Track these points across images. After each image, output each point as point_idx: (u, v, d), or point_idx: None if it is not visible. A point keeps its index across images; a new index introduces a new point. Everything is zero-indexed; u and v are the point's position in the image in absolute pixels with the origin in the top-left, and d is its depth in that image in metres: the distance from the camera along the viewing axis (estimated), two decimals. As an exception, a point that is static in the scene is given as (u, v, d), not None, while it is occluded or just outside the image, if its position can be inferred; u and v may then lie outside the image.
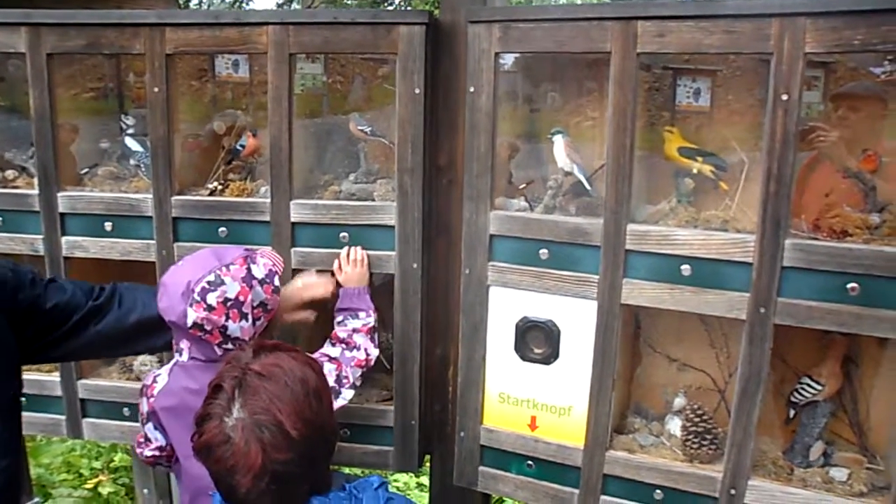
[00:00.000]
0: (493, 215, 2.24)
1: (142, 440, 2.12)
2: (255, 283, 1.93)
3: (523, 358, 2.29)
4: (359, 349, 2.22)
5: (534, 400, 2.31)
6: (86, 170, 2.68)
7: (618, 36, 2.01)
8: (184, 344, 1.99)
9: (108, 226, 2.52)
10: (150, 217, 2.48)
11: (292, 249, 2.40)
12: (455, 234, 2.40)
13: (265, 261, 2.00)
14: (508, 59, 2.32)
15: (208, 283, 1.89)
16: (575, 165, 2.25)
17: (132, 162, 2.65)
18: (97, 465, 4.38)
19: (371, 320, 2.26)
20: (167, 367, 2.07)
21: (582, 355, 2.21)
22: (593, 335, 2.18)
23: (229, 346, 1.94)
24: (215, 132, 2.63)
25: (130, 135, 2.65)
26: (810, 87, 2.14)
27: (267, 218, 2.40)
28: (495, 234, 2.24)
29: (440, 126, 2.36)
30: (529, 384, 2.31)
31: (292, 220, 2.39)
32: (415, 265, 2.35)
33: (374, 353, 2.25)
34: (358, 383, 2.20)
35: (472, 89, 2.19)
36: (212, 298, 1.88)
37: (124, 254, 2.53)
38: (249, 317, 1.92)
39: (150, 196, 2.47)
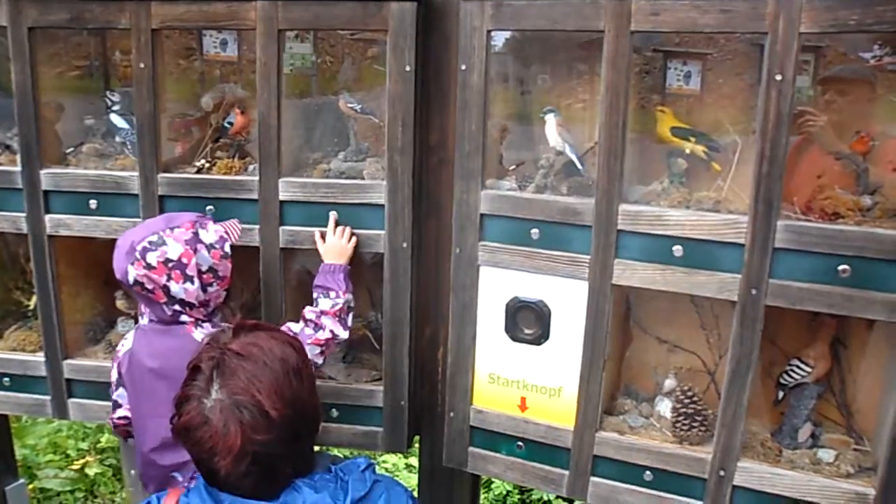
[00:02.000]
0: (485, 194, 2.22)
1: (111, 407, 2.21)
2: (200, 246, 1.97)
3: (513, 338, 2.29)
4: (323, 329, 2.21)
5: (524, 381, 2.31)
6: (71, 149, 2.65)
7: (612, 14, 1.98)
8: (143, 308, 2.08)
9: (92, 203, 2.48)
10: (137, 195, 2.45)
11: (281, 228, 2.38)
12: (445, 214, 2.38)
13: (216, 227, 2.04)
14: (499, 40, 2.30)
15: (150, 242, 1.94)
16: (567, 145, 2.24)
17: (118, 139, 2.61)
18: (83, 445, 4.37)
19: (340, 302, 2.23)
20: (132, 332, 2.12)
21: (572, 336, 2.21)
22: (584, 316, 2.18)
23: (177, 307, 1.99)
24: (203, 109, 2.60)
25: (116, 111, 2.61)
26: (801, 71, 2.12)
27: (255, 196, 2.37)
28: (486, 213, 2.23)
29: (431, 104, 2.34)
30: (519, 365, 2.30)
31: (281, 198, 2.36)
32: (404, 244, 2.33)
33: (343, 334, 2.23)
34: (319, 362, 2.21)
35: (463, 67, 2.17)
36: (152, 258, 1.93)
37: (109, 232, 2.49)
38: (195, 280, 1.96)
39: (136, 174, 2.44)
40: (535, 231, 2.19)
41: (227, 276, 2.05)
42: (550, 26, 2.09)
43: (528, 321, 2.26)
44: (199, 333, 2.01)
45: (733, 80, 2.23)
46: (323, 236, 2.33)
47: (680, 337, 2.39)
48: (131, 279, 1.95)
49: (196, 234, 2.00)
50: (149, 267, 1.93)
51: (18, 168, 2.50)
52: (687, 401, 2.24)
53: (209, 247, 2.00)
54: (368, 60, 2.65)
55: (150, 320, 2.06)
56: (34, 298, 2.72)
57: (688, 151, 2.16)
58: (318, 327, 2.20)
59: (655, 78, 2.30)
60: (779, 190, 1.90)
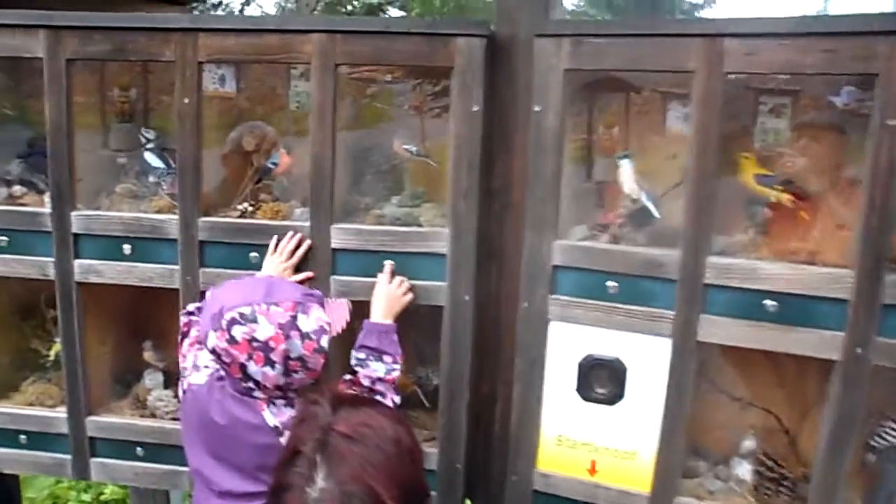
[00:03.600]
0: (557, 245, 2.02)
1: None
2: (294, 333, 1.67)
3: (585, 398, 2.06)
4: (384, 397, 1.97)
5: (595, 443, 2.08)
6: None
7: (702, 53, 1.81)
8: None
9: (126, 248, 2.24)
10: (175, 240, 2.21)
11: (332, 277, 2.15)
12: (507, 262, 2.18)
13: (319, 314, 1.73)
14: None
15: (241, 314, 1.66)
16: (643, 193, 2.05)
17: (151, 179, 2.38)
18: (86, 497, 4.04)
19: (398, 369, 1.99)
20: (212, 369, 1.83)
21: (650, 396, 1.99)
22: (665, 374, 1.97)
23: (251, 385, 1.71)
24: (242, 148, 2.38)
25: (150, 149, 2.39)
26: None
27: (305, 243, 2.16)
28: (559, 264, 2.02)
29: (494, 146, 2.14)
30: (591, 426, 2.08)
31: (333, 245, 2.14)
32: (466, 297, 2.12)
33: (398, 400, 2.00)
34: None
35: (537, 108, 1.98)
36: (237, 332, 1.65)
37: (144, 280, 2.25)
38: (278, 366, 1.67)
39: (175, 217, 2.21)
40: (612, 284, 1.98)
41: (318, 369, 1.76)
42: (633, 66, 1.91)
43: (602, 380, 2.04)
44: (271, 415, 1.73)
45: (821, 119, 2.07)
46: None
47: (754, 393, 2.19)
48: (210, 345, 1.70)
49: (294, 318, 1.70)
50: (231, 341, 1.66)
51: (47, 209, 2.25)
52: (770, 463, 2.04)
53: (304, 336, 1.70)
54: (367, 99, 2.49)
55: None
56: (54, 348, 2.46)
57: (773, 199, 1.99)
58: (375, 394, 1.96)
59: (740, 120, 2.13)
60: (888, 243, 1.73)
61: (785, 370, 2.12)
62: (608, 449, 2.07)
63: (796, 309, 1.83)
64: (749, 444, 2.09)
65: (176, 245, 2.22)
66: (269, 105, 2.60)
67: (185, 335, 1.98)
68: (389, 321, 2.04)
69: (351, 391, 1.94)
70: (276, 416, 1.73)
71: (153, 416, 2.41)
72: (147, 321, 2.51)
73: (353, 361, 1.99)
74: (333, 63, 2.05)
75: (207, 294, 1.81)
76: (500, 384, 2.25)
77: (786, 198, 1.97)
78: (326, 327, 1.73)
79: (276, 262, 2.13)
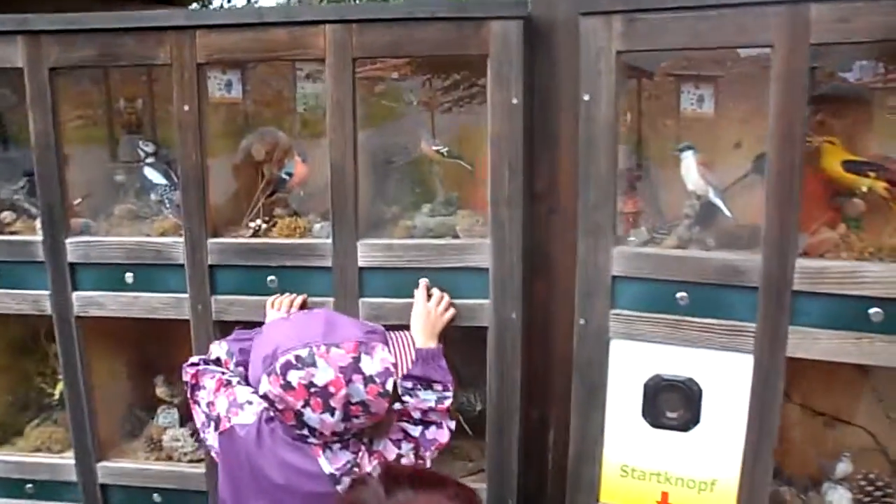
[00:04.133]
0: (618, 252, 1.74)
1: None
2: (357, 377, 1.43)
3: (654, 424, 1.79)
4: (440, 427, 1.72)
5: (666, 473, 1.81)
6: (79, 200, 2.11)
7: (784, 24, 1.53)
8: None
9: (129, 277, 1.99)
10: (182, 265, 1.95)
11: (360, 300, 1.89)
12: (557, 274, 1.91)
13: (384, 355, 1.48)
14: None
15: (297, 357, 1.42)
16: (710, 188, 1.77)
17: (153, 197, 2.11)
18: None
19: (450, 396, 1.72)
20: (259, 407, 1.58)
21: (730, 419, 1.72)
22: (747, 395, 1.70)
23: (305, 432, 1.48)
24: (252, 157, 2.12)
25: (150, 164, 2.12)
26: None
27: (328, 262, 1.88)
28: (619, 275, 1.75)
29: (536, 144, 1.87)
30: (661, 454, 1.81)
31: (360, 264, 1.87)
32: (514, 315, 1.85)
33: (453, 426, 1.75)
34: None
35: (586, 97, 1.70)
36: (293, 377, 1.42)
37: (150, 310, 1.99)
38: (338, 412, 1.43)
39: (181, 239, 1.95)
40: (682, 295, 1.70)
41: (381, 412, 1.52)
42: (699, 43, 1.62)
43: (673, 403, 1.77)
44: (326, 462, 1.50)
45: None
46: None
47: (841, 408, 1.92)
48: (262, 390, 1.47)
49: (357, 359, 1.45)
50: (287, 387, 1.42)
51: (39, 237, 2.00)
52: (871, 489, 1.77)
53: (368, 379, 1.46)
54: (375, 97, 2.24)
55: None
56: (59, 386, 2.21)
57: (864, 189, 1.71)
58: (429, 423, 1.70)
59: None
60: None
61: (879, 381, 1.85)
62: (682, 479, 1.80)
63: (906, 317, 1.56)
64: (844, 466, 1.82)
65: (183, 271, 1.96)
66: (276, 109, 2.35)
67: (196, 387, 1.72)
68: (433, 344, 1.78)
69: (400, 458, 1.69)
70: (331, 462, 1.51)
71: (169, 458, 2.15)
72: (157, 354, 2.25)
73: (400, 391, 1.72)
74: (350, 57, 1.78)
75: (255, 334, 1.63)
76: (553, 410, 1.99)
77: (881, 185, 1.69)
78: (392, 369, 1.49)
79: (275, 317, 1.88)
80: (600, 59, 1.68)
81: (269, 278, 1.92)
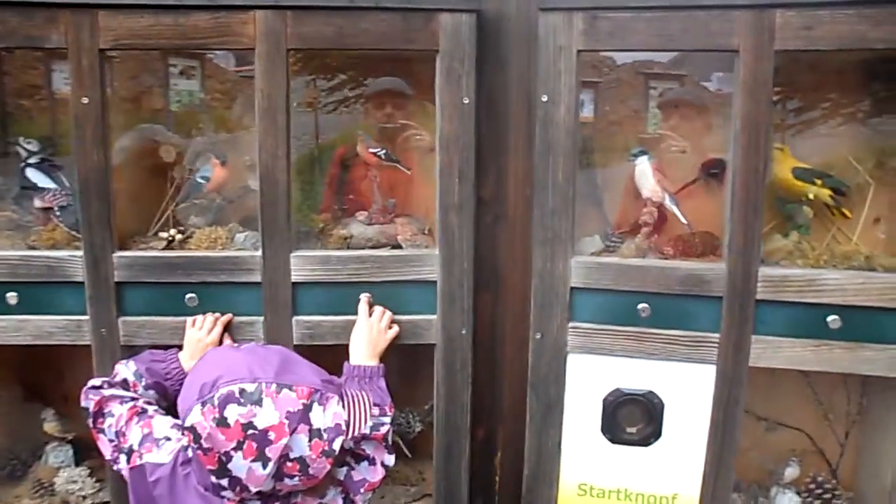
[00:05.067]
0: (575, 262, 1.62)
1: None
2: (302, 428, 1.20)
3: (613, 440, 1.68)
4: (372, 463, 1.47)
5: (626, 489, 1.71)
6: None
7: (749, 28, 1.46)
8: None
9: (11, 298, 1.65)
10: (81, 283, 1.64)
11: (294, 318, 1.66)
12: (505, 286, 1.77)
13: (338, 410, 1.24)
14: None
15: (241, 391, 1.18)
16: (666, 195, 1.69)
17: (37, 203, 1.77)
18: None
19: (388, 421, 1.51)
20: (177, 444, 1.34)
21: (692, 432, 1.64)
22: (709, 407, 1.63)
23: (223, 483, 1.20)
24: (160, 158, 1.82)
25: (35, 165, 1.78)
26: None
27: (256, 277, 1.64)
28: (578, 286, 1.63)
29: (483, 147, 1.71)
30: (621, 471, 1.70)
31: (294, 278, 1.64)
32: (464, 331, 1.68)
33: (391, 461, 1.50)
34: None
35: (544, 98, 1.56)
36: (232, 412, 1.17)
37: (41, 336, 1.66)
38: (271, 465, 1.18)
39: (79, 253, 1.64)
40: (643, 306, 1.61)
41: (319, 476, 1.26)
42: (664, 45, 1.53)
43: (634, 418, 1.67)
44: None
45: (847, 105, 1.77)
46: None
47: (782, 413, 1.90)
48: (189, 421, 1.19)
49: (308, 408, 1.21)
50: (221, 422, 1.16)
51: None
52: (820, 491, 1.75)
53: (314, 433, 1.21)
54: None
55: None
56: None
57: (811, 196, 1.68)
58: (360, 458, 1.46)
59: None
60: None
61: (817, 383, 1.85)
62: (643, 495, 1.70)
63: (863, 323, 1.53)
64: (791, 470, 1.80)
65: (82, 289, 1.65)
66: (147, 106, 2.07)
67: (100, 415, 1.44)
68: (374, 362, 1.58)
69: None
70: None
71: (65, 503, 1.83)
72: (46, 385, 1.91)
73: None
74: (284, 49, 1.55)
75: (169, 356, 1.45)
76: (500, 428, 1.84)
77: (826, 193, 1.67)
78: (343, 427, 1.25)
79: (196, 336, 1.64)
80: (560, 59, 1.55)
81: (188, 296, 1.64)
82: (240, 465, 1.18)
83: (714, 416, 1.62)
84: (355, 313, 1.65)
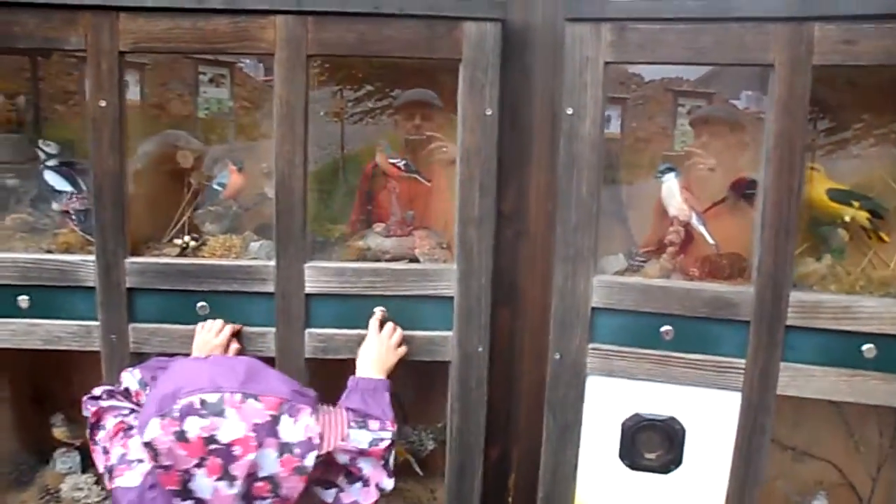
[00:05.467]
0: (597, 281, 1.56)
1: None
2: (270, 442, 1.12)
3: (632, 466, 1.61)
4: (366, 484, 1.37)
5: (643, 518, 1.65)
6: None
7: (785, 43, 1.39)
8: None
9: (23, 301, 1.62)
10: (92, 287, 1.61)
11: (307, 331, 1.61)
12: (524, 303, 1.71)
13: (310, 422, 1.16)
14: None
15: (202, 402, 1.09)
16: (693, 214, 1.62)
17: (55, 206, 1.74)
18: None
19: (388, 437, 1.41)
20: (148, 466, 1.22)
21: (714, 461, 1.56)
22: (733, 436, 1.55)
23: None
24: (178, 164, 1.79)
25: (53, 168, 1.75)
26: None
27: (270, 288, 1.59)
28: (599, 306, 1.56)
29: (503, 160, 1.64)
30: (638, 498, 1.62)
31: (307, 290, 1.60)
32: (480, 349, 1.62)
33: (389, 485, 1.40)
34: None
35: (570, 111, 1.50)
36: (192, 425, 1.08)
37: (50, 341, 1.63)
38: (238, 484, 1.10)
39: (91, 257, 1.60)
40: (667, 329, 1.53)
41: (293, 497, 1.18)
42: (695, 58, 1.46)
43: (653, 444, 1.60)
44: None
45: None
46: None
47: (810, 442, 1.81)
48: (147, 436, 1.10)
49: (276, 420, 1.13)
50: (181, 436, 1.09)
51: None
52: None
53: (284, 447, 1.13)
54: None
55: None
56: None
57: (847, 219, 1.60)
58: (355, 478, 1.37)
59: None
60: None
61: (850, 414, 1.76)
62: (660, 525, 1.64)
63: (899, 354, 1.45)
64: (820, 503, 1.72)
65: (93, 294, 1.61)
66: (176, 113, 2.05)
67: (96, 427, 1.37)
68: (380, 376, 1.51)
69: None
70: None
71: (70, 511, 1.80)
72: (56, 389, 1.88)
73: None
74: (304, 55, 1.51)
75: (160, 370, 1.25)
76: (515, 449, 1.78)
77: (864, 216, 1.59)
78: (317, 441, 1.16)
79: (203, 339, 1.59)
80: (586, 70, 1.49)
81: (199, 304, 1.60)
82: (203, 484, 1.10)
83: (738, 445, 1.54)
84: (367, 327, 1.61)
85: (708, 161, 1.75)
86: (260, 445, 1.10)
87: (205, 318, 1.61)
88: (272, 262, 1.59)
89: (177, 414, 1.09)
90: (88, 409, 1.40)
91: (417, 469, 1.86)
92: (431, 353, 1.62)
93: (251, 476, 1.11)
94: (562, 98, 1.52)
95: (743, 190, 1.68)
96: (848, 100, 1.69)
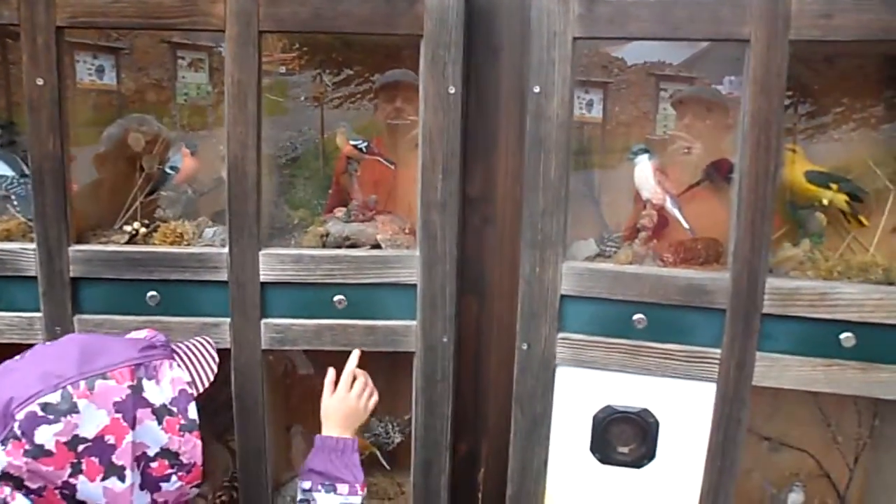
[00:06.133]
0: (567, 268, 1.48)
1: None
2: (143, 413, 1.02)
3: (604, 460, 1.54)
4: None
5: (616, 513, 1.58)
6: None
7: (761, 16, 1.31)
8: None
9: (-41, 292, 1.53)
10: (34, 277, 1.50)
11: (262, 321, 1.51)
12: (491, 292, 1.63)
13: (175, 374, 1.06)
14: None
15: (43, 406, 0.97)
16: (668, 197, 1.54)
17: (-6, 192, 1.65)
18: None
19: (357, 502, 1.33)
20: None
21: (688, 454, 1.50)
22: (708, 428, 1.48)
23: None
24: (124, 148, 1.69)
25: (-8, 151, 1.65)
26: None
27: (223, 276, 1.50)
28: (569, 293, 1.48)
29: (469, 143, 1.57)
30: (611, 493, 1.55)
31: (263, 278, 1.50)
32: (445, 339, 1.53)
33: None
34: None
35: (536, 89, 1.41)
36: (44, 435, 0.96)
37: (-10, 336, 1.54)
38: (129, 474, 0.99)
39: (32, 245, 1.50)
40: (639, 317, 1.46)
41: (197, 462, 1.08)
42: (668, 33, 1.38)
43: (626, 437, 1.52)
44: None
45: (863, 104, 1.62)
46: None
47: (786, 432, 1.75)
48: None
49: (138, 388, 1.02)
50: (38, 452, 0.96)
51: None
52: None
53: (160, 411, 1.03)
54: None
55: None
56: None
57: (825, 202, 1.53)
58: None
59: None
60: None
61: (826, 403, 1.70)
62: (633, 520, 1.58)
63: (880, 342, 1.38)
64: (795, 496, 1.65)
65: (36, 284, 1.51)
66: (154, 99, 1.96)
67: None
68: (347, 435, 1.41)
69: None
70: None
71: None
72: None
73: (298, 496, 1.35)
74: (256, 31, 1.41)
75: None
76: (484, 443, 1.70)
77: (842, 199, 1.52)
78: (189, 389, 1.07)
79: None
80: (554, 47, 1.40)
81: (150, 294, 1.50)
82: (91, 490, 0.99)
83: (713, 437, 1.47)
84: (329, 317, 1.52)
85: (693, 144, 1.68)
86: (133, 422, 0.99)
87: (156, 310, 1.51)
88: (225, 250, 1.50)
89: (19, 432, 0.96)
90: None
91: (384, 462, 1.78)
92: (394, 344, 1.54)
93: (143, 458, 1.01)
94: (529, 76, 1.44)
95: (724, 173, 1.61)
96: (827, 81, 1.62)
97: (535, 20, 1.40)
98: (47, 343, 1.13)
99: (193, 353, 1.17)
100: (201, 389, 1.11)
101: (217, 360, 1.20)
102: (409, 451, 1.66)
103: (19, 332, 1.53)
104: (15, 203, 1.61)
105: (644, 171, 1.54)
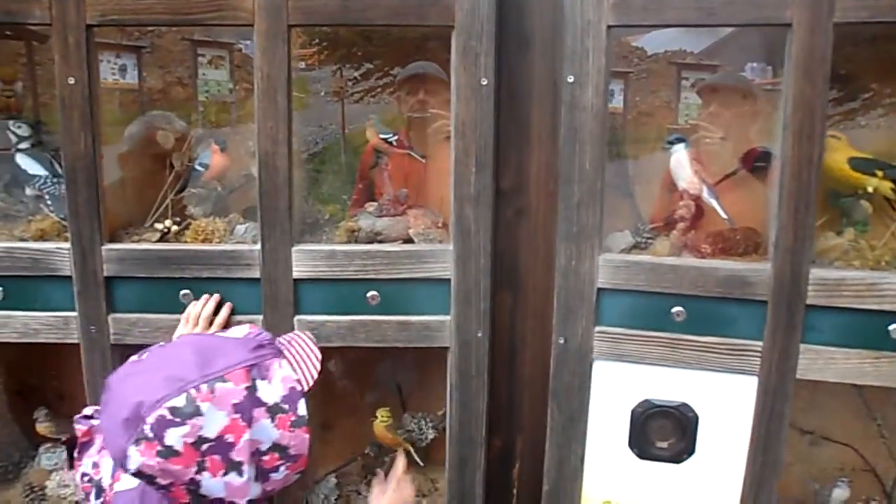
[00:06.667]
0: (603, 260, 1.45)
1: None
2: (259, 412, 1.03)
3: (642, 455, 1.51)
4: None
5: (654, 509, 1.55)
6: None
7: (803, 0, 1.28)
8: None
9: (-5, 292, 1.54)
10: (68, 277, 1.50)
11: (295, 318, 1.50)
12: (525, 286, 1.59)
13: (285, 373, 1.08)
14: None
15: (172, 409, 0.99)
16: (705, 187, 1.50)
17: (28, 191, 1.64)
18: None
19: None
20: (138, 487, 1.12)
21: (729, 449, 1.46)
22: (749, 423, 1.45)
23: None
24: (150, 146, 1.68)
25: (25, 151, 1.65)
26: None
27: (256, 273, 1.49)
28: (606, 286, 1.45)
29: (502, 134, 1.54)
30: (650, 489, 1.52)
31: (295, 275, 1.49)
32: (479, 334, 1.51)
33: None
34: None
35: (570, 79, 1.38)
36: (174, 437, 0.99)
37: (26, 334, 1.53)
38: (246, 469, 1.03)
39: (67, 245, 1.50)
40: (678, 310, 1.42)
41: (304, 452, 1.11)
42: (704, 20, 1.34)
43: (665, 432, 1.49)
44: None
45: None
46: None
47: (826, 425, 1.71)
48: (133, 466, 1.01)
49: (252, 389, 1.04)
50: (168, 453, 0.99)
51: None
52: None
53: (273, 409, 1.05)
54: None
55: None
56: None
57: (870, 189, 1.48)
58: None
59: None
60: None
61: (872, 397, 1.65)
62: (672, 516, 1.55)
63: (929, 334, 1.34)
64: (840, 492, 1.60)
65: (71, 284, 1.51)
66: (176, 96, 1.97)
67: (87, 445, 1.27)
68: None
69: None
70: None
71: (56, 510, 1.71)
72: (39, 383, 1.79)
73: None
74: (286, 25, 1.39)
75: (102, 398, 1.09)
76: (519, 439, 1.68)
77: (888, 186, 1.47)
78: (298, 386, 1.09)
79: (188, 312, 1.49)
80: (588, 36, 1.36)
81: (183, 292, 1.50)
82: (213, 485, 1.02)
83: (755, 432, 1.43)
84: (363, 313, 1.50)
85: (715, 133, 1.64)
86: (250, 422, 1.03)
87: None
88: (257, 246, 1.49)
89: (151, 434, 0.99)
90: (80, 428, 1.28)
91: (418, 459, 1.76)
92: (428, 340, 1.52)
93: (256, 452, 1.04)
94: (562, 66, 1.41)
95: (757, 162, 1.57)
96: (870, 65, 1.58)
97: (569, 8, 1.37)
98: (163, 344, 1.16)
99: (298, 351, 1.18)
100: (308, 386, 1.12)
101: (319, 355, 1.21)
102: (443, 448, 1.64)
103: (55, 331, 1.54)
104: (49, 203, 1.61)
105: (681, 160, 1.50)
